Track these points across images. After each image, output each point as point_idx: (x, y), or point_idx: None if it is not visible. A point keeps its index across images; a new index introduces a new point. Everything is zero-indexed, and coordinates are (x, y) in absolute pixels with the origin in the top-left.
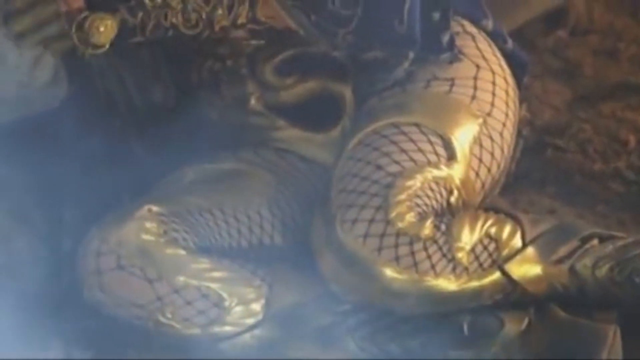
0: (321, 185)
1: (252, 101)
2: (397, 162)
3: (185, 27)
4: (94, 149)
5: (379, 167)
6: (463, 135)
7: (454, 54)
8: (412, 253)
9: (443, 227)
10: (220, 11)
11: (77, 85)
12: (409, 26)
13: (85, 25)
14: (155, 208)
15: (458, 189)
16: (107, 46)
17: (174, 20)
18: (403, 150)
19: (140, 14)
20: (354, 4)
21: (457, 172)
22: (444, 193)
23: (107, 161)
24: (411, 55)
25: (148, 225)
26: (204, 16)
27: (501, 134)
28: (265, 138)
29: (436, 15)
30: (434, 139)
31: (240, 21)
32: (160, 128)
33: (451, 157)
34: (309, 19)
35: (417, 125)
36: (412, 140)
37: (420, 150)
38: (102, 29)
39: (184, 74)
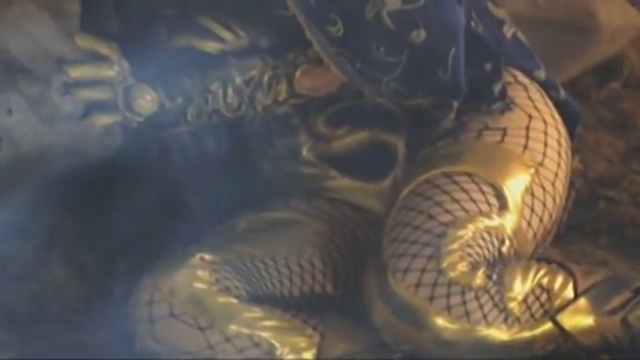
0: (373, 235)
1: (304, 151)
2: (449, 212)
3: (227, 111)
4: (147, 198)
5: (431, 217)
6: (515, 185)
7: (506, 103)
8: (464, 303)
9: (495, 277)
10: (260, 91)
11: (131, 135)
12: (453, 75)
13: (132, 89)
14: (207, 256)
15: (510, 239)
16: (146, 117)
17: (215, 105)
18: (455, 200)
19: (179, 99)
20: (400, 52)
21: (509, 221)
22: (496, 243)
23: (160, 210)
24: (455, 104)
25: (200, 273)
26: (245, 99)
27: (553, 184)
28: (318, 187)
29: (488, 66)
30: (486, 188)
31: (281, 98)
32: (213, 177)
33: (503, 206)
34: (354, 66)
35: (469, 174)
36: (464, 190)
37: (472, 199)
38: (148, 97)
39: (237, 124)
